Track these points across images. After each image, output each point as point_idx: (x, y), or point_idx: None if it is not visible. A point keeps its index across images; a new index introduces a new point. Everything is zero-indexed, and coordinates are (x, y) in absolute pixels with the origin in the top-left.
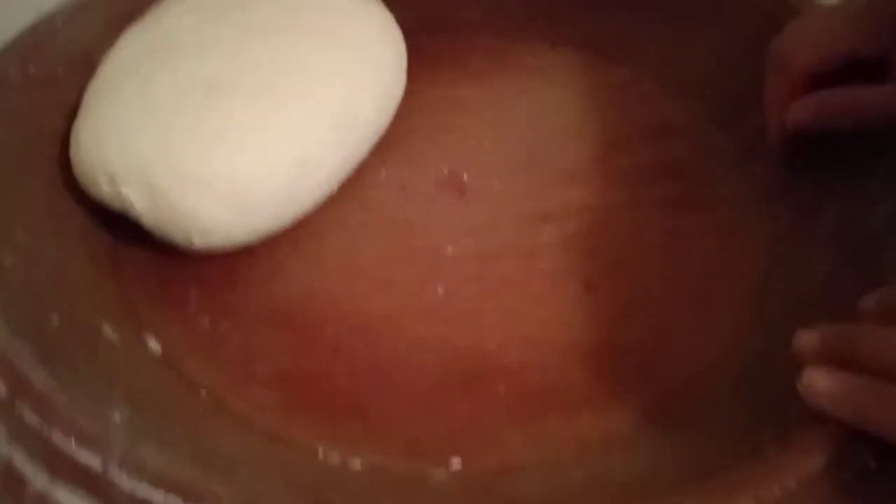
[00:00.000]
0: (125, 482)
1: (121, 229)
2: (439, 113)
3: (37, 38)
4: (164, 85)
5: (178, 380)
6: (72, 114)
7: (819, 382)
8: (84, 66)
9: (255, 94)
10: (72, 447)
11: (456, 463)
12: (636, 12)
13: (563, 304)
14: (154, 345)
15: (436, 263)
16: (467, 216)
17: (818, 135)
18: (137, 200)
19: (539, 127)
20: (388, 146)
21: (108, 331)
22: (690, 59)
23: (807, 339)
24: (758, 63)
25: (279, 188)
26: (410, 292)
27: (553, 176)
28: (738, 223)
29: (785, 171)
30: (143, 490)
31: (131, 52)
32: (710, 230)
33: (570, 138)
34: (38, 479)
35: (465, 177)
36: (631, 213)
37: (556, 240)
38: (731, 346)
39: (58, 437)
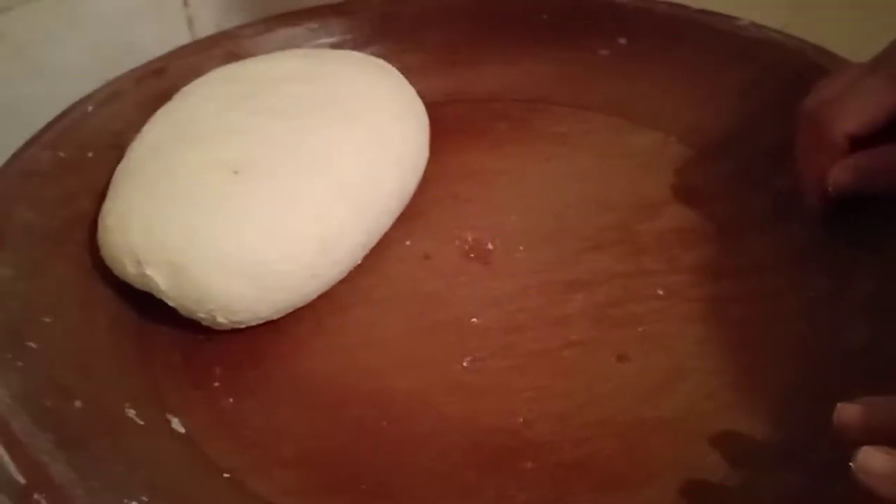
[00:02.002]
0: None
1: (147, 309)
2: (463, 182)
3: (68, 123)
4: (189, 168)
5: (201, 462)
6: (101, 196)
7: (875, 463)
8: (114, 150)
9: (277, 174)
10: None
11: None
12: (659, 75)
13: (595, 376)
14: (178, 426)
15: (462, 336)
16: (493, 286)
17: (858, 196)
18: (162, 281)
19: (564, 193)
20: (411, 217)
21: (131, 414)
22: (717, 119)
23: (849, 414)
24: (786, 121)
25: (302, 266)
26: (436, 367)
27: (580, 243)
28: (775, 288)
29: (820, 232)
30: None
31: (157, 136)
32: (745, 297)
33: (596, 204)
34: None
35: (490, 245)
36: (663, 279)
37: (586, 309)
38: (772, 421)
39: None
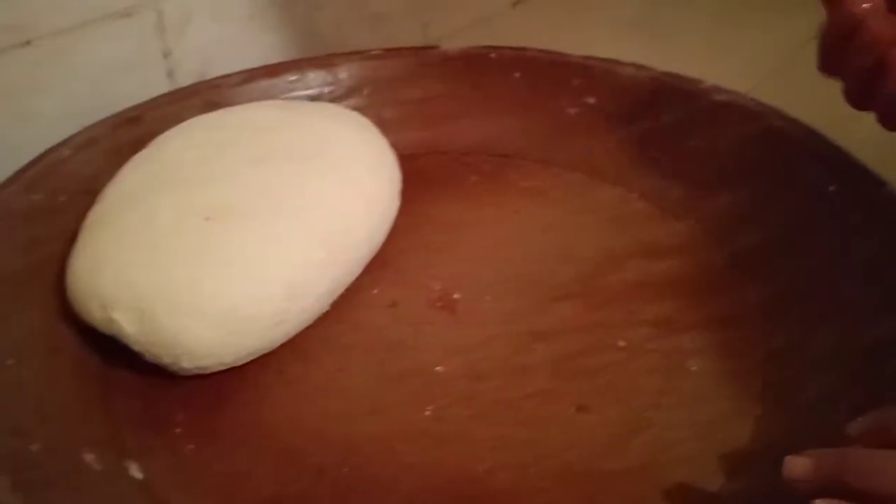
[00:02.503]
0: None
1: (111, 353)
2: (432, 232)
3: (42, 167)
4: (161, 215)
5: None
6: (71, 241)
7: None
8: (86, 195)
9: (248, 222)
10: None
11: None
12: (624, 134)
13: (556, 426)
14: (136, 472)
15: (426, 384)
16: (458, 335)
17: None
18: (128, 325)
19: (531, 245)
20: (380, 266)
21: (89, 458)
22: (679, 178)
23: (797, 466)
24: (745, 183)
25: (269, 312)
26: (399, 414)
27: (545, 294)
28: (733, 343)
29: (777, 289)
30: None
31: (131, 182)
32: (705, 350)
33: (561, 257)
34: None
35: (457, 295)
36: (624, 332)
37: (548, 359)
38: (730, 475)
39: None
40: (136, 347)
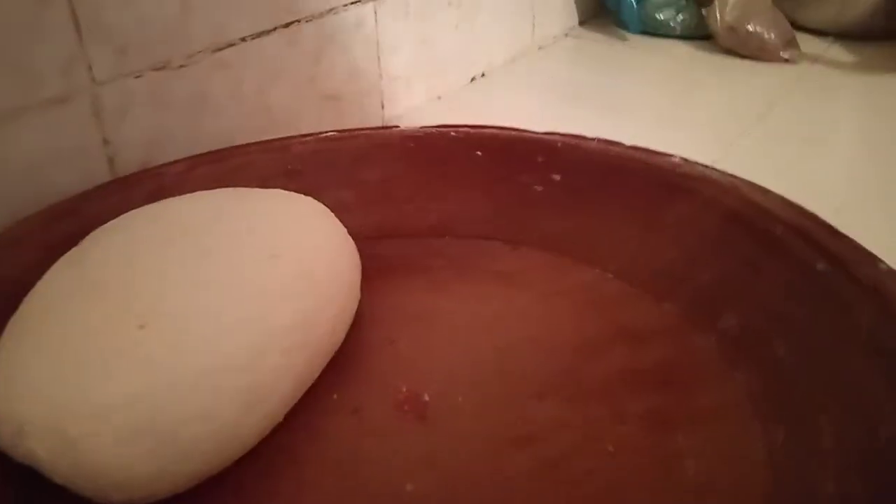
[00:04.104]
0: None
1: (30, 483)
2: (396, 325)
3: None
4: (88, 323)
5: None
6: None
7: None
8: (11, 300)
9: (194, 324)
10: None
11: None
12: (594, 211)
13: None
14: None
15: None
16: (429, 444)
17: None
18: (44, 453)
19: (504, 335)
20: (340, 365)
21: None
22: (654, 256)
23: None
24: (724, 259)
25: (220, 426)
26: None
27: (523, 390)
28: (732, 438)
29: (770, 376)
30: None
31: (58, 286)
32: (702, 448)
33: (537, 346)
34: None
35: (426, 397)
36: (613, 429)
37: (533, 468)
38: None
39: None
40: (58, 480)
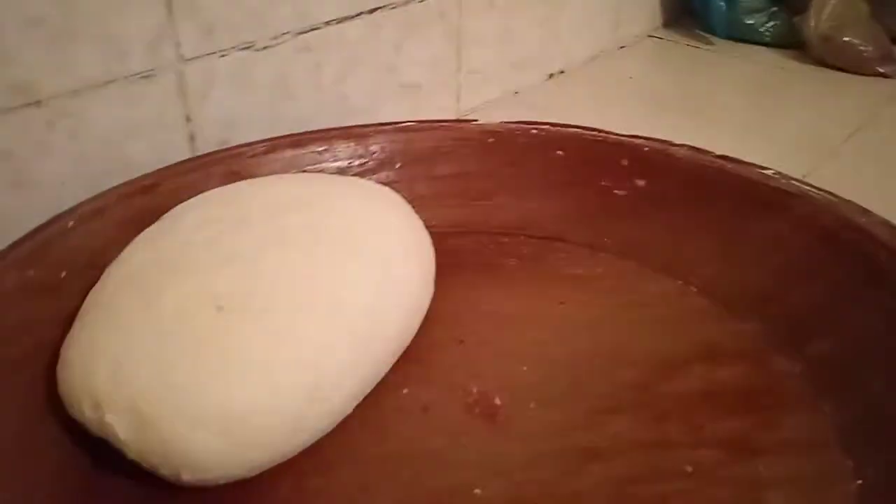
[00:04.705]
0: None
1: (100, 458)
2: (468, 324)
3: (42, 239)
4: (168, 302)
5: None
6: (69, 324)
7: None
8: (90, 271)
9: (267, 313)
10: None
11: None
12: (678, 220)
13: None
14: None
15: None
16: (499, 449)
17: None
18: (122, 430)
19: (578, 344)
20: (410, 361)
21: None
22: (741, 272)
23: None
24: (816, 280)
25: (286, 419)
26: None
27: (596, 404)
28: (819, 473)
29: (861, 408)
30: None
31: (138, 261)
32: (785, 480)
33: (613, 359)
34: None
35: (498, 400)
36: (689, 453)
37: (603, 484)
38: None
39: None
40: (131, 455)
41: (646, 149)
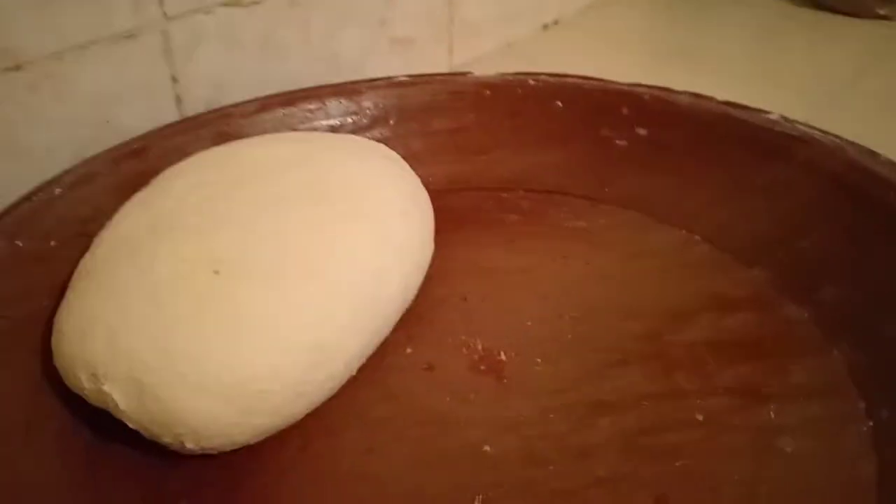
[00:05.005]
0: None
1: (102, 429)
2: (470, 280)
3: (31, 208)
4: (162, 267)
5: None
6: (61, 293)
7: None
8: (81, 239)
9: (265, 276)
10: None
11: None
12: (682, 169)
13: None
14: None
15: (473, 467)
16: (507, 405)
17: None
18: (122, 399)
19: (583, 297)
20: (413, 320)
21: None
22: (747, 219)
23: None
24: (825, 225)
25: (289, 383)
26: None
27: (605, 357)
28: (830, 416)
29: (872, 351)
30: None
31: (130, 226)
32: (798, 426)
33: (619, 311)
34: None
35: (503, 356)
36: (700, 402)
37: (615, 437)
38: None
39: None
40: (132, 425)
41: (647, 97)
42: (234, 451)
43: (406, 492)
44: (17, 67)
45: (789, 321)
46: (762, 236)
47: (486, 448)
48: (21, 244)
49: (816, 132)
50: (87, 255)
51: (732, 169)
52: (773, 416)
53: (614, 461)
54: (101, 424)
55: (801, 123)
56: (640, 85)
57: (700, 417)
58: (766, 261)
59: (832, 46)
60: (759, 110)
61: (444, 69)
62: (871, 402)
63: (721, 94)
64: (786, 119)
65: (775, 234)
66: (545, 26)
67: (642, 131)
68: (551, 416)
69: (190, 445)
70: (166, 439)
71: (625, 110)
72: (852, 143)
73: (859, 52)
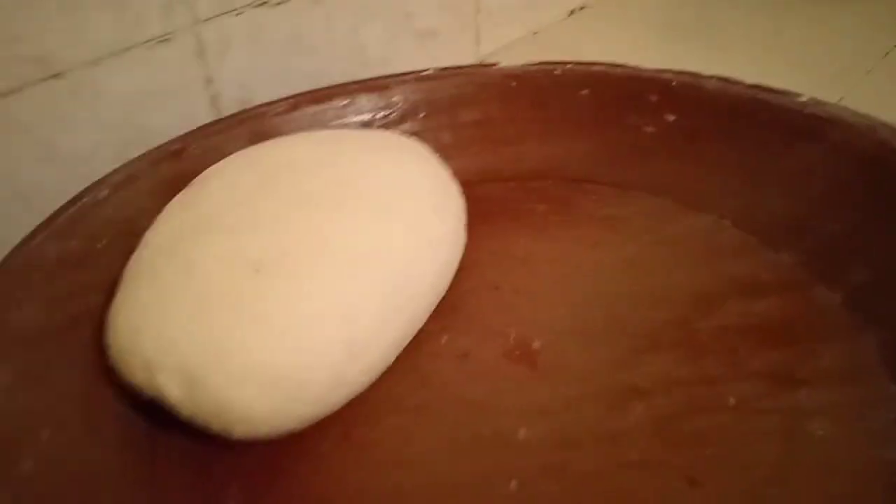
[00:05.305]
0: None
1: (157, 418)
2: (501, 270)
3: (78, 210)
4: (206, 266)
5: None
6: (112, 291)
7: None
8: (127, 238)
9: (302, 272)
10: None
11: None
12: (710, 154)
13: (663, 503)
14: None
15: (507, 452)
16: (541, 392)
17: None
18: (173, 389)
19: (613, 284)
20: (447, 310)
21: None
22: (776, 203)
23: None
24: (856, 208)
25: (327, 374)
26: (478, 489)
27: (635, 343)
28: (860, 402)
29: None
30: None
31: (173, 226)
32: (827, 411)
33: (650, 297)
34: None
35: (536, 344)
36: (731, 387)
37: (647, 422)
38: None
39: None
40: (183, 413)
41: (674, 83)
42: (279, 439)
43: (443, 476)
44: (57, 75)
45: (819, 305)
46: (792, 220)
47: (521, 433)
48: (71, 245)
49: (847, 113)
50: (135, 255)
51: (762, 152)
52: (803, 400)
53: (646, 445)
54: (155, 414)
55: (831, 105)
56: (667, 71)
57: (732, 402)
58: (795, 244)
59: (862, 22)
60: (788, 92)
61: (470, 60)
62: None
63: (750, 77)
64: (815, 100)
65: (805, 218)
66: (571, 12)
67: (671, 117)
68: (583, 401)
69: (237, 433)
70: (216, 427)
71: (652, 97)
72: (883, 124)
73: (890, 26)
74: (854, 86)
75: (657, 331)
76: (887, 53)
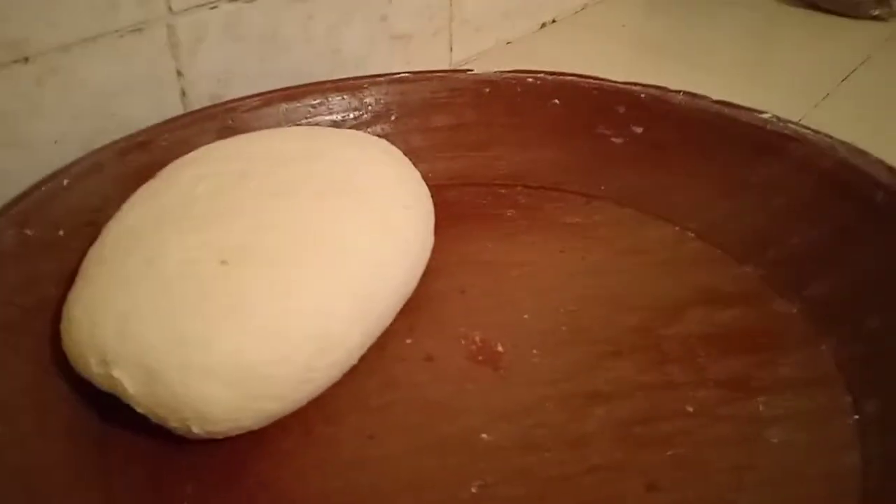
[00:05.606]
0: None
1: (110, 413)
2: (469, 273)
3: (39, 197)
4: (170, 256)
5: None
6: (69, 282)
7: None
8: (88, 228)
9: (269, 266)
10: None
11: None
12: (676, 166)
13: None
14: None
15: (470, 454)
16: (504, 395)
17: None
18: (131, 384)
19: (577, 290)
20: (413, 311)
21: None
22: (739, 216)
23: None
24: (815, 223)
25: (294, 370)
26: (440, 492)
27: (599, 348)
28: (816, 410)
29: (860, 347)
30: None
31: (137, 217)
32: (786, 418)
33: (614, 304)
34: None
35: (500, 348)
36: (691, 393)
37: (609, 426)
38: None
39: None
40: (140, 409)
41: (642, 95)
42: (239, 437)
43: (405, 477)
44: (26, 60)
45: (779, 316)
46: (754, 233)
47: (484, 436)
48: (30, 233)
49: (808, 131)
50: (96, 245)
51: (725, 167)
52: (761, 408)
53: (608, 449)
54: (109, 409)
55: (793, 123)
56: (636, 84)
57: (691, 409)
58: (757, 257)
59: (826, 46)
60: (753, 109)
61: (444, 66)
62: (857, 395)
63: (715, 93)
64: (778, 118)
65: (767, 232)
66: (543, 24)
67: (638, 129)
68: (547, 405)
69: (196, 430)
70: (173, 423)
71: (621, 109)
72: (842, 143)
73: (853, 51)
74: (815, 107)
75: (620, 337)
76: (845, 78)
